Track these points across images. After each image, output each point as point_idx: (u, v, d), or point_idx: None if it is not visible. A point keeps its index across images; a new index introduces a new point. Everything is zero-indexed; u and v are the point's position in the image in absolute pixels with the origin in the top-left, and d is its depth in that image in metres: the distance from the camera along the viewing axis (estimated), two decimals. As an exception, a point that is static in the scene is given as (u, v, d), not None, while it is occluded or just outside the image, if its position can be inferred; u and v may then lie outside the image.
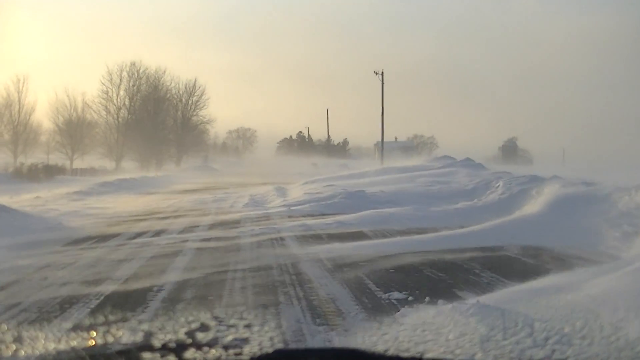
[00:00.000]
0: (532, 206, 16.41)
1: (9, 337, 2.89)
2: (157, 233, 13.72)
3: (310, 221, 15.60)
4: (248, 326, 3.15)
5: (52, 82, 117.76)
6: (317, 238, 12.58)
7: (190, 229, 14.53)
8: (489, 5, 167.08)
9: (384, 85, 60.32)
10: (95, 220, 16.80)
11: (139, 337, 3.03)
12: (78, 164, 61.25)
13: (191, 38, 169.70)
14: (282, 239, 12.47)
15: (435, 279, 8.19)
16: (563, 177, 20.85)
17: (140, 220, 16.79)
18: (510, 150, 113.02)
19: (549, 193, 17.21)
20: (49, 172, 39.90)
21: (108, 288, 7.47)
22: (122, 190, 30.92)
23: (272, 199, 22.94)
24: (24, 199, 23.50)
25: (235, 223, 15.63)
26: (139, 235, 13.38)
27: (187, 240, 12.20)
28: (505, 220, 14.50)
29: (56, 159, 62.15)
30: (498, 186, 20.49)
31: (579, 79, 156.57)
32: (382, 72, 60.25)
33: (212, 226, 15.05)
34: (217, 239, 12.53)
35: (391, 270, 8.77)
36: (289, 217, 17.09)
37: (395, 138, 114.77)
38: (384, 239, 12.47)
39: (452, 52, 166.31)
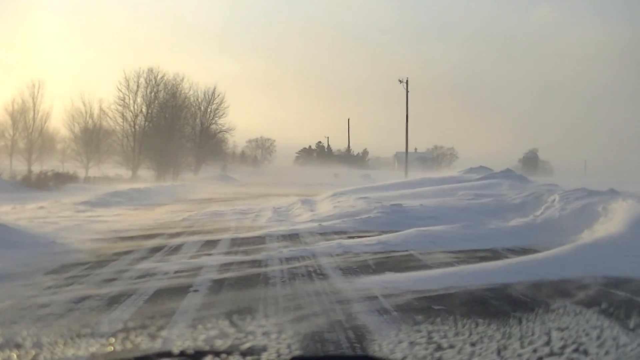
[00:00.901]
0: (607, 225, 13.80)
1: None
2: (166, 256, 11.22)
3: (348, 241, 13.03)
4: None
5: (69, 90, 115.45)
6: (364, 266, 10.00)
7: (206, 250, 12.01)
8: (510, 17, 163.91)
9: (408, 93, 57.61)
10: (96, 237, 14.31)
11: None
12: (94, 172, 58.98)
13: (210, 47, 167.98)
14: (320, 267, 9.91)
15: (555, 338, 5.53)
16: (620, 190, 18.37)
17: (148, 237, 14.30)
18: (531, 161, 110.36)
19: (623, 209, 14.61)
20: (59, 181, 37.57)
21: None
22: (134, 200, 28.47)
23: (299, 213, 20.39)
24: (27, 209, 21.13)
25: (260, 243, 13.09)
26: (142, 258, 10.86)
27: (201, 268, 9.65)
28: (583, 244, 11.86)
29: (71, 167, 60.21)
30: (554, 201, 17.88)
31: (599, 90, 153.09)
32: (407, 80, 57.81)
33: (232, 247, 12.51)
34: (239, 265, 9.97)
35: (479, 320, 6.18)
36: (322, 235, 14.55)
37: (415, 149, 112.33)
38: (446, 269, 9.85)
39: (472, 64, 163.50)
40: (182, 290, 7.80)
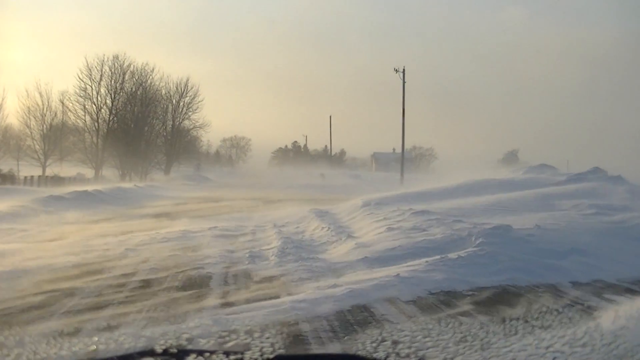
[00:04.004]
0: None
1: None
2: None
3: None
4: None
5: (27, 85, 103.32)
6: None
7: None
8: (489, 18, 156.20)
9: (405, 85, 48.62)
10: None
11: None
12: (55, 171, 49.24)
13: (183, 44, 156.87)
14: None
15: None
16: None
17: (19, 324, 5.60)
18: (511, 162, 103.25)
19: None
20: (-11, 181, 28.38)
21: None
22: (73, 209, 19.37)
23: (327, 239, 11.49)
24: None
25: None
26: None
27: None
28: None
29: (28, 165, 50.99)
30: None
31: (578, 90, 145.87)
32: (404, 70, 48.73)
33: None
34: None
35: None
36: (424, 311, 5.90)
37: (394, 149, 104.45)
38: None
39: (450, 64, 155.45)
40: None
